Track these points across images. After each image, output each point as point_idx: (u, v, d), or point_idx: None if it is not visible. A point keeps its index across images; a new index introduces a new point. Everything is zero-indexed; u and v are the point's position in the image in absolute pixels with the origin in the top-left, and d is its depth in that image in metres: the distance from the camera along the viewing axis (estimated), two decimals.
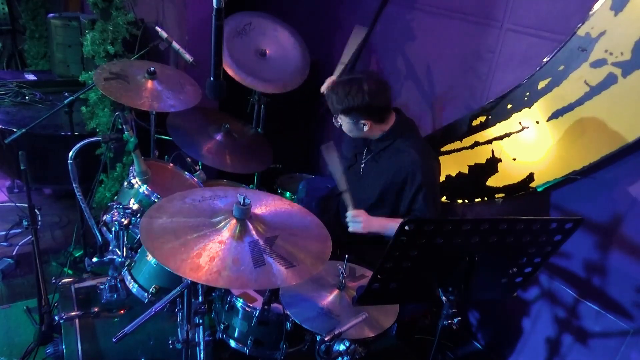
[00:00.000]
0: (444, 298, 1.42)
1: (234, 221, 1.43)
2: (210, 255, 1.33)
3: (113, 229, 1.88)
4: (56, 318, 1.90)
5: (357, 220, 2.00)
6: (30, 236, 2.29)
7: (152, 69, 2.35)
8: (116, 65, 2.43)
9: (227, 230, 1.42)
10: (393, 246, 1.29)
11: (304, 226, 1.58)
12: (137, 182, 2.01)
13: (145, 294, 1.75)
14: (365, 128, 2.04)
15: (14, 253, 3.07)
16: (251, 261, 1.34)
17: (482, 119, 2.39)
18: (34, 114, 3.36)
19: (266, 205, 1.59)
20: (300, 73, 2.91)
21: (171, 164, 2.35)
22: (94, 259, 1.86)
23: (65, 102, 2.39)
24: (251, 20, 2.88)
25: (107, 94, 2.24)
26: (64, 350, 1.81)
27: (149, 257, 1.77)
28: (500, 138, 2.33)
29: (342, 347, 1.53)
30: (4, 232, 3.23)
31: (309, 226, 1.58)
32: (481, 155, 2.42)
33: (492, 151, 2.37)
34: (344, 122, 2.07)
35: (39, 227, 2.19)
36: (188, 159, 2.46)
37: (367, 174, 2.19)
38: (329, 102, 2.04)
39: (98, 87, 2.25)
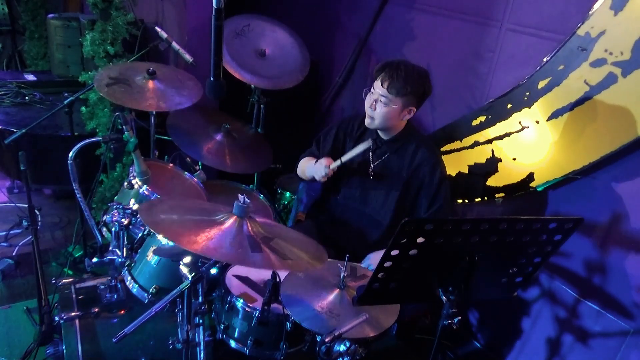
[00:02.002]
0: (444, 298, 1.42)
1: (234, 217, 1.46)
2: (209, 236, 1.36)
3: (113, 229, 1.88)
4: (56, 318, 1.90)
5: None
6: (30, 236, 2.29)
7: (152, 69, 2.35)
8: (113, 69, 2.42)
9: (227, 222, 1.45)
10: (393, 246, 1.29)
11: (299, 238, 1.62)
12: (137, 182, 2.01)
13: (145, 294, 1.75)
14: (407, 117, 2.04)
15: (14, 253, 3.07)
16: (248, 247, 1.37)
17: (482, 118, 2.39)
18: (33, 115, 3.36)
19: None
20: (301, 70, 2.91)
21: (171, 164, 2.35)
22: (94, 259, 1.86)
23: (65, 102, 2.39)
24: (249, 22, 2.89)
25: (112, 99, 2.24)
26: (64, 351, 1.81)
27: (149, 257, 1.77)
28: (500, 138, 2.33)
29: (342, 348, 1.52)
30: (4, 233, 3.23)
31: (305, 242, 1.62)
32: (481, 155, 2.42)
33: (492, 151, 2.37)
34: (390, 105, 1.97)
35: (39, 227, 2.19)
36: (188, 159, 2.46)
37: (379, 178, 2.16)
38: (393, 80, 1.93)
39: (102, 94, 2.25)
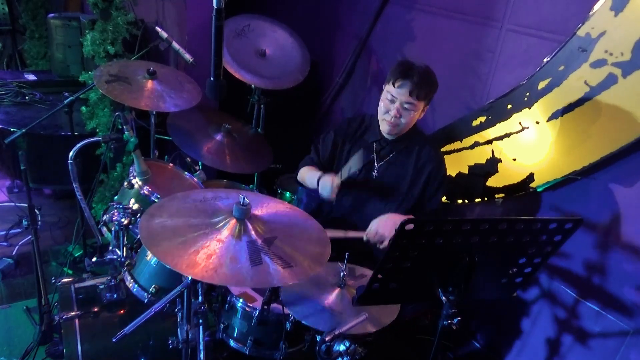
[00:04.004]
0: (444, 298, 1.42)
1: (233, 221, 1.44)
2: (208, 253, 1.34)
3: (113, 229, 1.88)
4: (56, 318, 1.90)
5: (384, 238, 1.97)
6: (30, 236, 2.29)
7: (152, 69, 2.35)
8: (113, 66, 2.42)
9: (227, 230, 1.43)
10: (393, 246, 1.29)
11: (304, 229, 1.59)
12: (137, 182, 2.01)
13: (145, 294, 1.74)
14: (422, 115, 2.07)
15: (13, 253, 3.07)
16: (248, 259, 1.35)
17: (482, 119, 2.39)
18: (34, 114, 3.36)
19: (267, 207, 1.60)
20: (301, 71, 2.91)
21: (171, 164, 2.35)
22: (94, 259, 1.86)
23: (66, 102, 2.39)
24: (250, 22, 2.89)
25: (112, 97, 2.24)
26: (64, 350, 1.81)
27: (149, 257, 1.77)
28: (500, 138, 2.33)
29: (342, 347, 1.53)
30: (4, 232, 3.24)
31: (309, 230, 1.59)
32: (481, 156, 2.42)
33: (492, 151, 2.37)
34: (415, 110, 1.98)
35: (38, 227, 2.19)
36: (188, 159, 2.46)
37: (384, 178, 2.16)
38: (421, 87, 1.93)
39: (101, 90, 2.25)
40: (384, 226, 1.97)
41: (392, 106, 2.00)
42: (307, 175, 2.22)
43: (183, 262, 1.30)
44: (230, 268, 1.32)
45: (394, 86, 1.97)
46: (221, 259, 1.33)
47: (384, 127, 2.07)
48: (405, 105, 1.97)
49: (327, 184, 2.04)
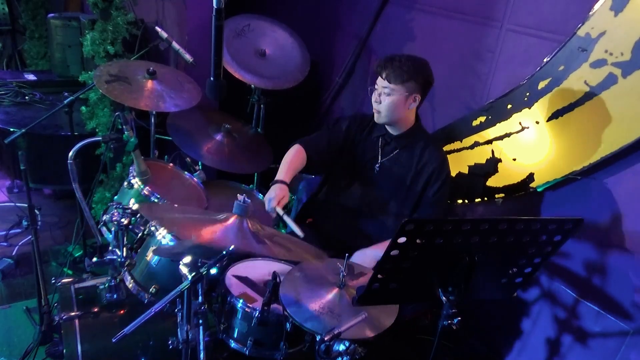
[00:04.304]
0: (444, 298, 1.42)
1: (234, 216, 1.49)
2: (214, 230, 1.43)
3: (113, 229, 1.88)
4: (56, 318, 1.90)
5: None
6: (30, 236, 2.29)
7: (152, 69, 2.35)
8: (113, 66, 2.42)
9: (229, 220, 1.51)
10: (393, 246, 1.29)
11: (298, 241, 1.66)
12: (137, 182, 2.01)
13: (145, 294, 1.74)
14: (412, 105, 2.06)
15: (13, 253, 3.07)
16: (253, 238, 1.44)
17: (482, 119, 2.39)
18: (34, 114, 3.36)
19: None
20: (301, 70, 2.92)
21: (171, 164, 2.35)
22: (94, 259, 1.86)
23: (65, 102, 2.39)
24: (250, 22, 2.89)
25: (112, 97, 2.25)
26: (64, 351, 1.81)
27: (149, 257, 1.78)
28: (500, 138, 2.33)
29: (342, 347, 1.52)
30: (4, 232, 3.23)
31: (306, 246, 1.66)
32: (481, 156, 2.42)
33: (492, 151, 2.37)
34: (393, 95, 2.00)
35: (39, 227, 2.19)
36: (188, 159, 2.46)
37: (386, 174, 2.18)
38: (390, 70, 1.98)
39: (101, 90, 2.25)
40: (362, 262, 1.93)
41: (375, 93, 2.07)
42: (289, 158, 2.19)
43: (189, 232, 1.40)
44: (236, 240, 1.41)
45: (376, 76, 2.06)
46: (227, 235, 1.43)
47: (374, 116, 2.13)
48: (384, 91, 2.02)
49: (271, 200, 1.99)
